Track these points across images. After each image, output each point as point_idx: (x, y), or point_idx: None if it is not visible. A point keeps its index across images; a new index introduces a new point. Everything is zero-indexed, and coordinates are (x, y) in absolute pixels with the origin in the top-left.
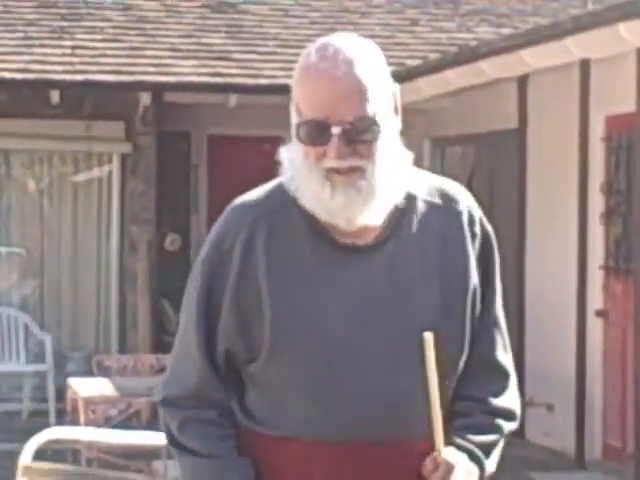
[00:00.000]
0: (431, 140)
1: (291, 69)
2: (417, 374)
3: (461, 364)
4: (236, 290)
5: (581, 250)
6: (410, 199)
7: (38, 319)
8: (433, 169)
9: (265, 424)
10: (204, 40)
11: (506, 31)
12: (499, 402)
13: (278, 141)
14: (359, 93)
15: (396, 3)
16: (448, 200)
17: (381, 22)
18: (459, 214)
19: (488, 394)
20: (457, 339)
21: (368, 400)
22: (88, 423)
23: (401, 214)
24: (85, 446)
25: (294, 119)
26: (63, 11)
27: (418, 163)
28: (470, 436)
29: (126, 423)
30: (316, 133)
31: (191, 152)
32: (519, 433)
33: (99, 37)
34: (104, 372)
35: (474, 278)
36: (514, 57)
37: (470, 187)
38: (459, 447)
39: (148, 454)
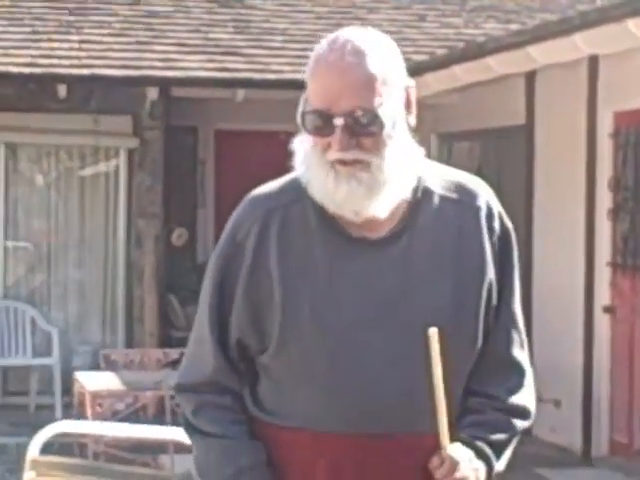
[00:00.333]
0: (438, 136)
1: (298, 64)
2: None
3: (474, 359)
4: (249, 281)
5: (588, 246)
6: (426, 193)
7: (45, 313)
8: None
9: (274, 414)
10: (211, 35)
11: (514, 27)
12: (514, 400)
13: (292, 132)
14: (364, 85)
15: None
16: (466, 195)
17: (388, 17)
18: (477, 209)
19: (503, 391)
20: (470, 334)
21: (375, 393)
22: (95, 417)
23: (416, 208)
24: (92, 440)
25: (301, 109)
26: (70, 5)
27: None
28: (481, 433)
29: (133, 417)
30: (320, 123)
31: (198, 147)
32: (526, 429)
33: (106, 31)
34: (111, 366)
35: (490, 273)
36: (522, 53)
37: None
38: (466, 443)
39: (155, 448)
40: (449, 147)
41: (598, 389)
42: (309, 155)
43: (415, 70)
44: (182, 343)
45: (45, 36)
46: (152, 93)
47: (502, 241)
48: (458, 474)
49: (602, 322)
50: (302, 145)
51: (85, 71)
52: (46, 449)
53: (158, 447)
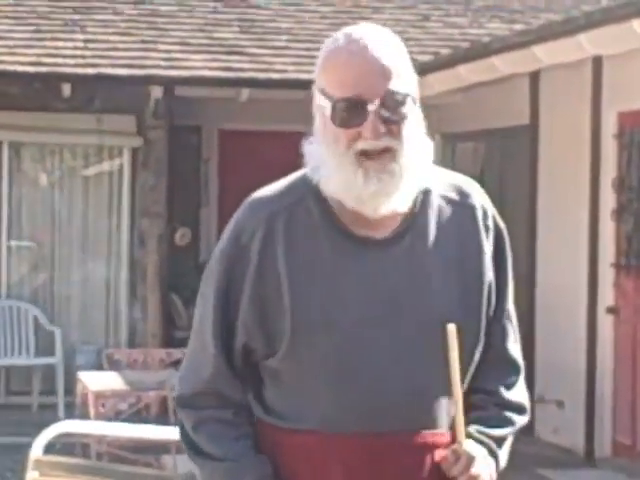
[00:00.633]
0: (442, 136)
1: (302, 63)
2: (434, 367)
3: (477, 357)
4: (256, 283)
5: (592, 247)
6: (427, 194)
7: (48, 312)
8: (444, 165)
9: (285, 418)
10: (216, 34)
11: (518, 27)
12: (512, 396)
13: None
14: (391, 69)
15: None
16: (462, 195)
17: (393, 17)
18: (473, 209)
19: (501, 387)
20: (473, 332)
21: (382, 390)
22: (98, 417)
23: (418, 208)
24: (95, 440)
25: (322, 104)
26: (75, 4)
27: None
28: (487, 430)
29: (136, 417)
30: (351, 112)
31: (202, 146)
32: (528, 430)
33: (111, 31)
34: (114, 366)
35: (489, 274)
36: (526, 53)
37: (481, 183)
38: (478, 440)
39: (157, 448)
40: (453, 147)
41: (601, 390)
42: (329, 153)
43: (419, 70)
44: (185, 343)
45: (49, 35)
46: (156, 92)
47: (497, 240)
48: (474, 470)
49: (605, 323)
50: (313, 146)
51: (89, 70)
52: (49, 449)
53: (161, 447)
